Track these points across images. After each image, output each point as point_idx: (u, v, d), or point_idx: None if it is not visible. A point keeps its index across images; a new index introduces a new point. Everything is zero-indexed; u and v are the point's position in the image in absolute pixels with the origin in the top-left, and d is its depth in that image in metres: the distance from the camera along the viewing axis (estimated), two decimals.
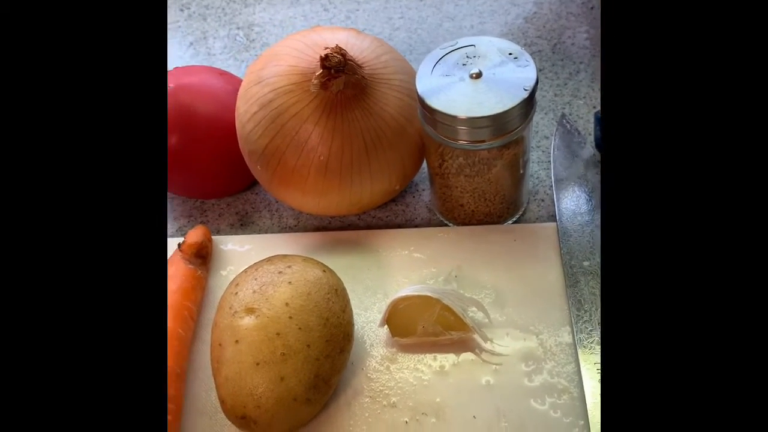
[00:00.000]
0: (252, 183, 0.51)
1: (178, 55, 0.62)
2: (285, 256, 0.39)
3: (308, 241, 0.45)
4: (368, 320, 0.41)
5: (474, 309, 0.39)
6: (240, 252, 0.45)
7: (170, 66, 0.61)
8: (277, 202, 0.50)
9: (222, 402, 0.35)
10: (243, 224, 0.49)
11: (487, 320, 0.39)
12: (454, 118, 0.38)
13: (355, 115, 0.41)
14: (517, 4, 0.61)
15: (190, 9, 0.65)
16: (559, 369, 0.37)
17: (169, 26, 0.64)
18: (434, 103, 0.38)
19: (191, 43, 0.62)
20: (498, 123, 0.38)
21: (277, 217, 0.49)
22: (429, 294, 0.38)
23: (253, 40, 0.62)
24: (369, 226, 0.48)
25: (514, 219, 0.46)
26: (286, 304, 0.35)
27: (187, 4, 0.66)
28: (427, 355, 0.39)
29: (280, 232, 0.48)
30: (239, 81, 0.49)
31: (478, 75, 0.39)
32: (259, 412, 0.34)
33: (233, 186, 0.50)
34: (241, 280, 0.37)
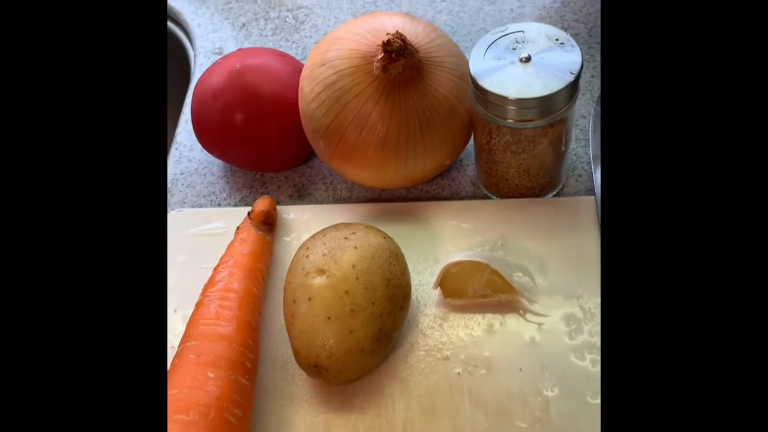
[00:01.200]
0: (308, 157, 0.55)
1: (232, 35, 0.65)
2: (348, 224, 0.43)
3: (363, 211, 0.49)
4: (421, 283, 0.45)
5: (519, 274, 0.43)
6: (301, 221, 0.49)
7: (229, 48, 0.64)
8: (331, 174, 0.54)
9: (296, 352, 0.39)
10: (300, 195, 0.53)
11: (531, 284, 0.43)
12: (504, 98, 0.41)
13: (411, 95, 0.44)
14: None
15: None
16: (598, 329, 0.41)
17: (222, 7, 0.68)
18: (486, 84, 0.42)
19: (243, 24, 0.66)
20: (545, 104, 0.41)
21: (332, 189, 0.53)
22: (479, 259, 0.42)
23: (302, 21, 0.65)
24: (417, 199, 0.51)
25: (555, 193, 0.49)
26: (353, 266, 0.39)
27: None
28: (477, 315, 0.43)
29: (334, 203, 0.52)
30: (298, 62, 0.53)
31: (528, 59, 0.42)
32: (331, 362, 0.38)
33: (291, 160, 0.54)
34: (310, 245, 0.41)
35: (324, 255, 0.40)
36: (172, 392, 0.36)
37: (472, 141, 0.49)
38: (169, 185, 0.55)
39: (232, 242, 0.45)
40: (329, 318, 0.38)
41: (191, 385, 0.36)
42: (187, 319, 0.42)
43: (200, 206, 0.53)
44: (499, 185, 0.48)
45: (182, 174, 0.56)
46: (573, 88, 0.42)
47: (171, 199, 0.54)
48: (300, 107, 0.48)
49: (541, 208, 0.47)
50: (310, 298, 0.39)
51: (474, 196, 0.51)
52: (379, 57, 0.43)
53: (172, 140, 0.59)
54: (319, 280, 0.39)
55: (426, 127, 0.45)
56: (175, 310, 0.46)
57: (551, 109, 0.42)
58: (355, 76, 0.44)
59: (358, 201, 0.52)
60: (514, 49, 0.43)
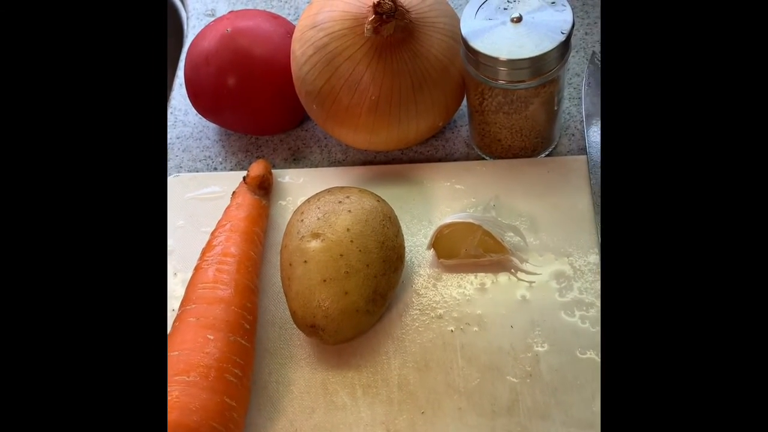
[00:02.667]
0: (302, 120, 0.55)
1: None
2: (342, 187, 0.43)
3: (358, 174, 0.50)
4: (415, 245, 0.46)
5: (511, 234, 0.44)
6: (297, 184, 0.50)
7: (221, 9, 0.64)
8: (326, 137, 0.54)
9: (293, 313, 0.40)
10: (296, 159, 0.53)
11: (523, 243, 0.44)
12: (495, 59, 0.41)
13: (403, 56, 0.44)
14: None
15: None
16: (588, 286, 0.42)
17: None
18: (477, 45, 0.42)
19: None
20: (537, 64, 0.41)
21: (327, 152, 0.53)
22: (471, 221, 0.43)
23: None
24: (411, 161, 0.52)
25: (547, 152, 0.50)
26: (348, 229, 0.40)
27: None
28: (469, 274, 0.44)
29: (329, 166, 0.52)
30: (290, 24, 0.52)
31: (519, 19, 0.42)
32: (327, 321, 0.39)
33: (286, 123, 0.54)
34: (305, 209, 0.42)
35: (318, 219, 0.41)
36: (172, 354, 0.37)
37: (465, 102, 0.49)
38: None
39: (229, 207, 0.46)
40: (325, 280, 0.39)
41: (192, 347, 0.38)
42: (187, 283, 0.43)
43: (196, 170, 0.54)
44: (492, 146, 0.49)
45: (178, 138, 0.56)
46: (564, 47, 0.42)
47: (168, 164, 0.55)
48: (292, 71, 0.48)
49: (534, 168, 0.48)
50: (305, 261, 0.40)
51: (468, 157, 0.51)
52: (370, 19, 0.42)
53: (167, 105, 0.59)
54: (314, 244, 0.40)
55: (419, 88, 0.45)
56: (175, 274, 0.47)
57: (543, 69, 0.42)
58: (347, 38, 0.44)
59: (353, 164, 0.52)
60: (505, 9, 0.43)
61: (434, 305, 0.43)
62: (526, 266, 0.43)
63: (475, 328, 0.42)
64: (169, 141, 0.56)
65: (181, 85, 0.59)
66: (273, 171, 0.50)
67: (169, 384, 0.36)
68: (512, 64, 0.41)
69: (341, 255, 0.39)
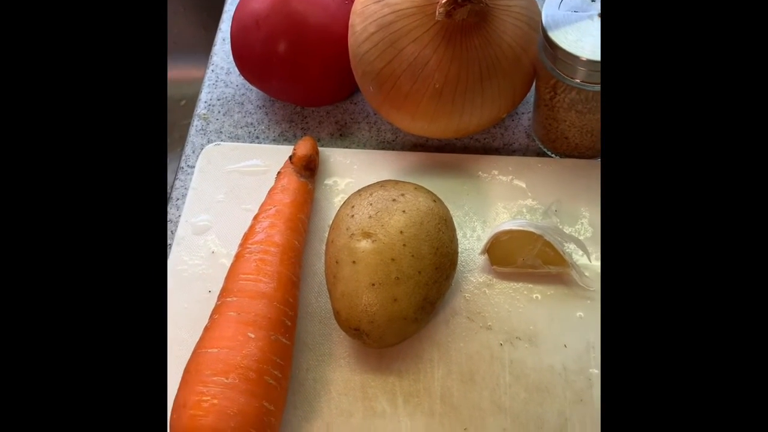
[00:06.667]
0: (351, 93, 0.51)
1: None
2: (397, 182, 0.40)
3: (409, 161, 0.47)
4: (467, 246, 0.43)
5: (572, 245, 0.41)
6: (343, 164, 0.47)
7: None
8: (375, 114, 0.51)
9: (337, 313, 0.38)
10: (342, 134, 0.50)
11: (584, 256, 0.41)
12: (576, 57, 0.38)
13: (474, 43, 0.40)
14: None
15: None
16: None
17: None
18: (558, 39, 0.38)
19: None
20: None
21: (375, 129, 0.50)
22: (532, 230, 0.40)
23: None
24: (466, 148, 0.49)
25: None
26: (401, 232, 0.37)
27: None
28: (523, 284, 0.41)
29: (378, 145, 0.49)
30: None
31: None
32: (372, 327, 0.37)
33: (334, 96, 0.51)
34: (356, 203, 0.39)
35: (370, 217, 0.38)
36: (211, 351, 0.36)
37: (534, 92, 0.45)
38: (205, 112, 0.53)
39: (273, 189, 0.43)
40: (373, 284, 0.37)
41: (231, 345, 0.36)
42: (223, 263, 0.41)
43: (237, 137, 0.51)
44: (557, 142, 0.45)
45: (219, 100, 0.53)
46: None
47: (207, 128, 0.52)
48: (349, 46, 0.44)
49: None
50: (354, 262, 0.37)
51: (527, 149, 0.48)
52: (444, 1, 0.38)
53: (208, 60, 0.56)
54: (364, 244, 0.37)
55: (487, 77, 0.41)
56: (213, 252, 0.44)
57: None
58: (415, 17, 0.40)
59: (403, 146, 0.49)
60: (593, 1, 0.38)
61: (483, 314, 0.41)
62: (586, 281, 0.41)
63: (526, 345, 0.40)
64: (209, 103, 0.53)
65: (224, 39, 0.56)
66: (319, 150, 0.47)
67: (206, 385, 0.35)
68: (594, 65, 0.37)
69: (392, 259, 0.37)
